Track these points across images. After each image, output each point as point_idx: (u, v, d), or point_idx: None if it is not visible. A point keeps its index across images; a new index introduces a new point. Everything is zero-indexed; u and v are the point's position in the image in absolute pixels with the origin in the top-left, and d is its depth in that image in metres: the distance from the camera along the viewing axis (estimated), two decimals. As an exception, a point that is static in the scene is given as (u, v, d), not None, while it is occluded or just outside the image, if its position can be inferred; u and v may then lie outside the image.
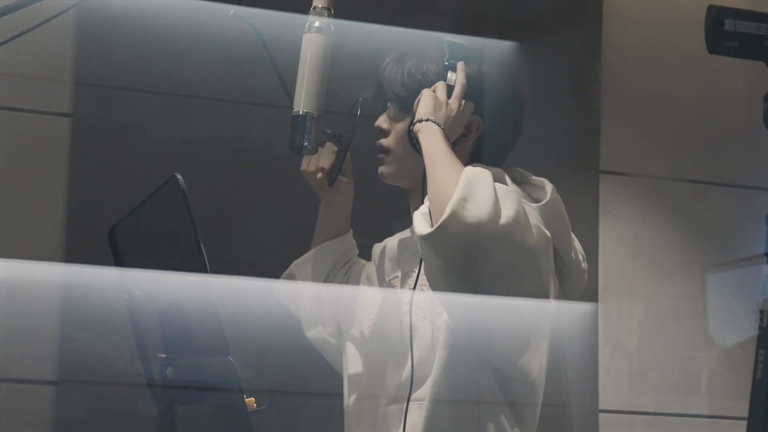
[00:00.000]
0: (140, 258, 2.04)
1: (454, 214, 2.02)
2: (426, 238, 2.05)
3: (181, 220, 1.89)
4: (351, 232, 2.41)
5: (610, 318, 3.05)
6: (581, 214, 3.04)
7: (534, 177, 2.25)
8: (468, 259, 2.05)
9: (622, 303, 3.07)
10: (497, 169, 2.24)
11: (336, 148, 2.30)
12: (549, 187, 2.22)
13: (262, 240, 2.55)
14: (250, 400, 1.91)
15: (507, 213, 2.04)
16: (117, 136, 2.81)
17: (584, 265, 2.26)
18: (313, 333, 2.38)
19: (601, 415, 3.02)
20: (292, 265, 2.41)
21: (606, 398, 3.03)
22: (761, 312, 1.88)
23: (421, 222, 2.08)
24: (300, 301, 2.41)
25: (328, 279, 2.38)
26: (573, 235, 2.25)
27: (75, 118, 2.72)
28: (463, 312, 2.12)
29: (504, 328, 2.13)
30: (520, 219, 2.06)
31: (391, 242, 2.32)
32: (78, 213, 2.68)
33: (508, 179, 2.22)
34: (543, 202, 2.19)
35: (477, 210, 2.02)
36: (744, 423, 1.87)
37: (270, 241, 2.48)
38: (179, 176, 1.91)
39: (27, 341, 2.58)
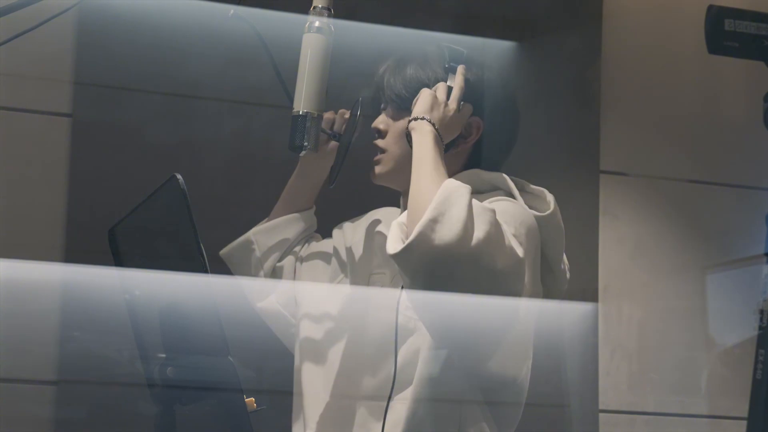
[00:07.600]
0: (140, 258, 2.04)
1: (421, 235, 2.02)
2: (393, 257, 2.06)
3: (181, 220, 1.89)
4: (314, 208, 2.43)
5: (610, 318, 3.04)
6: (581, 214, 3.04)
7: (532, 186, 2.26)
8: (434, 280, 2.06)
9: (622, 303, 3.06)
10: (498, 174, 2.25)
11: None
12: (550, 197, 2.23)
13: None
14: (250, 400, 1.91)
15: (477, 234, 2.04)
16: (117, 136, 2.81)
17: (567, 275, 2.29)
18: (264, 303, 2.38)
19: (601, 415, 3.02)
20: (252, 231, 2.41)
21: (606, 398, 3.03)
22: (761, 312, 1.88)
23: (395, 235, 2.08)
24: (251, 270, 2.41)
25: (286, 251, 2.39)
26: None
27: (75, 118, 2.71)
28: (443, 314, 2.12)
29: (486, 332, 2.13)
30: (490, 241, 2.05)
31: (382, 234, 2.30)
32: (78, 213, 2.68)
33: (510, 184, 2.22)
34: (546, 213, 2.20)
35: (445, 233, 2.02)
36: (744, 423, 1.87)
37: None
38: (179, 176, 1.91)
39: (27, 341, 2.58)
